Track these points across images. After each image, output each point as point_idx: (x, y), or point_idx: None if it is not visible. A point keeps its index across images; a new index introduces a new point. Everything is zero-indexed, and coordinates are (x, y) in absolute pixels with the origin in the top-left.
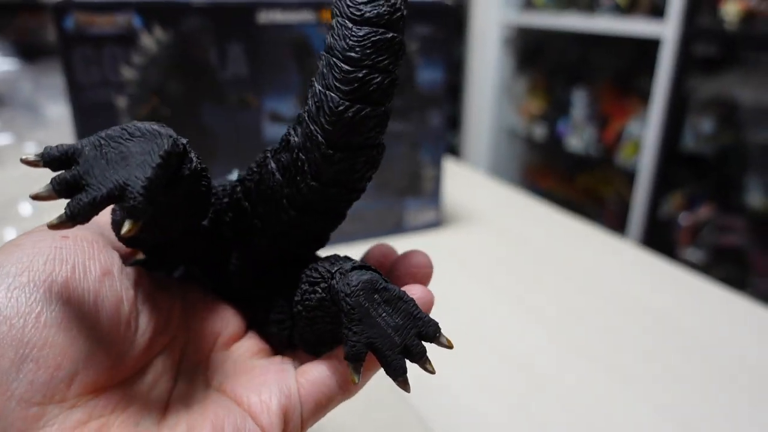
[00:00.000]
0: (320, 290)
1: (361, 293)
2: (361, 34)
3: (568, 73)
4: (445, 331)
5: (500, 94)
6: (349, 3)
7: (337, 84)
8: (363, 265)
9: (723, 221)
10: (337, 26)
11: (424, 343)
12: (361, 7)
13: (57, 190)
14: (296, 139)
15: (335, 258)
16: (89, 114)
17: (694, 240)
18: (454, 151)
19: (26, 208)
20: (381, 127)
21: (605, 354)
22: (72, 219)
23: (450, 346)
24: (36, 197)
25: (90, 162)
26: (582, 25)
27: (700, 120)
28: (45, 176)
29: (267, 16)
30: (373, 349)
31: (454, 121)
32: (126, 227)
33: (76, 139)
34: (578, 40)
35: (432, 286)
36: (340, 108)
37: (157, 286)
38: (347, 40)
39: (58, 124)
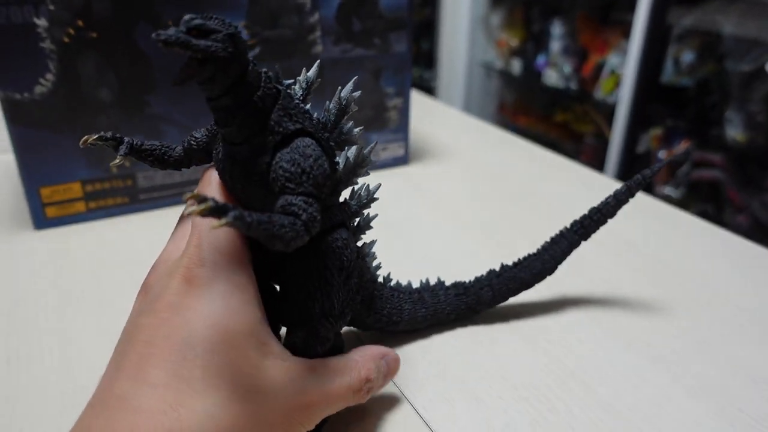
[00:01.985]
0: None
1: None
2: None
3: (546, 4)
4: (414, 271)
5: (475, 27)
6: None
7: None
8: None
9: (700, 156)
10: None
11: None
12: None
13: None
14: None
15: None
16: (5, 36)
17: (671, 176)
18: (430, 90)
19: None
20: None
21: (577, 285)
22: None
23: None
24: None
25: None
26: None
27: (681, 51)
28: None
29: None
30: None
31: (430, 58)
32: None
33: None
34: None
35: (399, 224)
36: None
37: None
38: None
39: None
